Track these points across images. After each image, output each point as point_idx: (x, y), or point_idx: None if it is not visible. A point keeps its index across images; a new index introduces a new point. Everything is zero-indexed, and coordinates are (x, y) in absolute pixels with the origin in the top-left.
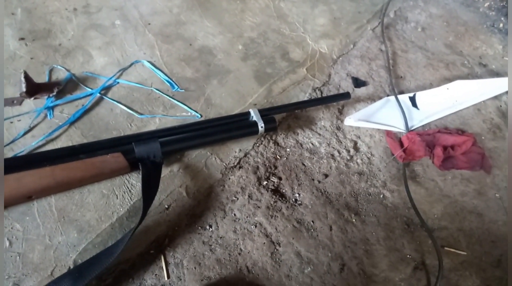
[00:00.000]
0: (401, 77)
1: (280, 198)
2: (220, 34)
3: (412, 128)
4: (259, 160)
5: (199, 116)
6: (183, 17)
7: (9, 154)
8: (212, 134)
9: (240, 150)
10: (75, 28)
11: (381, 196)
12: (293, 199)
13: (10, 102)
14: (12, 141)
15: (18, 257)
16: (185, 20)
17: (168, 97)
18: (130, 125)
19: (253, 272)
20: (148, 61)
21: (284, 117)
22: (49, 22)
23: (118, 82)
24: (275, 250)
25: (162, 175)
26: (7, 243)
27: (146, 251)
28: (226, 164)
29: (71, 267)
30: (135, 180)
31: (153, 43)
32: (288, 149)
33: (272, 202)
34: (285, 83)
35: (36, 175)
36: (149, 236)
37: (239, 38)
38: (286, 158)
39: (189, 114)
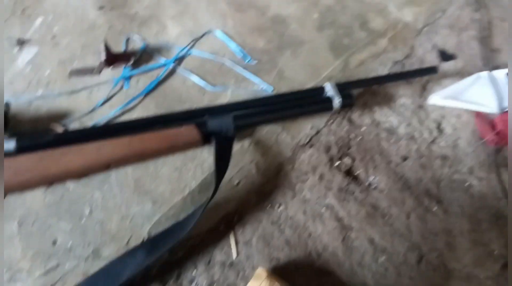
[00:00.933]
0: (497, 50)
1: (354, 181)
2: (294, 1)
3: (507, 109)
4: (331, 138)
5: (272, 89)
6: None
7: (88, 123)
8: (284, 109)
9: (312, 127)
10: None
11: (467, 184)
12: (368, 183)
13: (90, 71)
14: (92, 110)
15: (97, 225)
16: None
17: (240, 69)
18: (203, 97)
19: (323, 257)
20: (221, 31)
21: (361, 92)
22: None
23: (191, 53)
24: (347, 235)
25: (233, 150)
26: (88, 210)
27: (215, 227)
28: (297, 141)
29: (146, 238)
30: (206, 154)
31: (226, 12)
32: (363, 128)
33: (344, 184)
34: (364, 55)
35: (114, 145)
36: (219, 212)
37: (315, 6)
38: (361, 137)
39: (261, 87)
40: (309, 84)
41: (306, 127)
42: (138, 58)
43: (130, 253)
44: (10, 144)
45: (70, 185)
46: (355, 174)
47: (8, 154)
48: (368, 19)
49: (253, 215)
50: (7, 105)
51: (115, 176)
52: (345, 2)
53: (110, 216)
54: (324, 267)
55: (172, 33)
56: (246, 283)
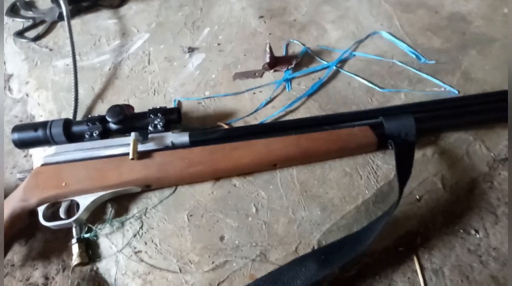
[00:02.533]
0: None
1: None
2: None
3: None
4: None
5: (456, 92)
6: None
7: (252, 122)
8: (477, 113)
9: None
10: (308, 4)
11: None
12: None
13: (252, 74)
14: (256, 111)
15: (264, 225)
16: None
17: (414, 70)
18: (371, 99)
19: None
20: (387, 32)
21: None
22: (284, 0)
23: (354, 55)
24: None
25: (414, 159)
26: (254, 209)
27: (393, 246)
28: (494, 154)
29: (315, 247)
30: (380, 161)
31: (391, 13)
32: None
33: None
34: None
35: (283, 142)
36: (397, 230)
37: (503, 0)
38: None
39: (443, 89)
40: (506, 86)
41: (505, 136)
42: (299, 61)
43: (301, 262)
44: (184, 138)
45: (236, 181)
46: None
47: (182, 146)
48: None
49: (441, 239)
50: (178, 103)
51: (280, 176)
52: None
53: (276, 218)
54: None
55: (333, 37)
56: None
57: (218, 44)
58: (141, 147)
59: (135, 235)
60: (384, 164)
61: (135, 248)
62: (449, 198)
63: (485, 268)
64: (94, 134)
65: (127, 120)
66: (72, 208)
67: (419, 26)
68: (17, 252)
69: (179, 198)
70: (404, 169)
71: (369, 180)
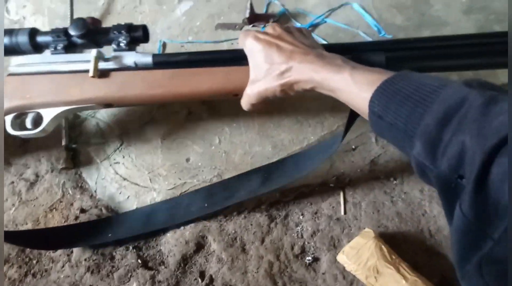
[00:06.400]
0: None
1: None
2: None
3: None
4: None
5: None
6: None
7: None
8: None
9: None
10: None
11: None
12: None
13: (233, 26)
14: None
15: (224, 154)
16: None
17: None
18: None
19: (436, 238)
20: (359, 4)
21: None
22: None
23: (325, 21)
24: None
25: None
26: (217, 140)
27: (326, 182)
28: None
29: None
30: (328, 114)
31: None
32: None
33: None
34: None
35: (243, 72)
36: (331, 170)
37: None
38: None
39: None
40: None
41: None
42: (276, 20)
43: (247, 176)
44: (147, 58)
45: (206, 115)
46: None
47: (145, 67)
48: None
49: (366, 181)
50: (163, 44)
51: (243, 117)
52: None
53: (234, 149)
54: (436, 248)
55: (310, 2)
56: (350, 239)
57: None
58: (102, 65)
59: (115, 150)
60: (331, 117)
61: (115, 159)
62: (380, 151)
63: (394, 206)
64: (59, 47)
65: (90, 35)
66: (38, 119)
67: (388, 2)
68: (12, 152)
69: (155, 123)
70: (353, 117)
71: (316, 128)
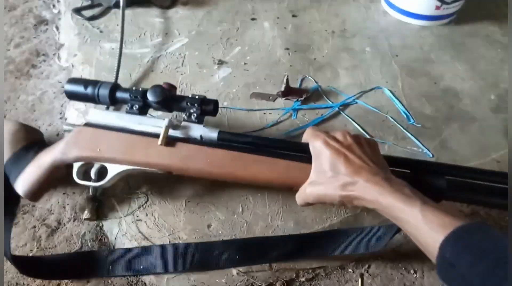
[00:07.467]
0: None
1: None
2: (471, 79)
3: None
4: None
5: (431, 155)
6: (433, 56)
7: None
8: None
9: None
10: (330, 48)
11: None
12: None
13: (267, 97)
14: (262, 129)
15: (245, 224)
16: (434, 59)
17: (401, 128)
18: None
19: None
20: (389, 90)
21: None
22: (310, 39)
23: (356, 102)
24: None
25: None
26: (240, 209)
27: (344, 266)
28: None
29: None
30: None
31: (397, 74)
32: None
33: None
34: None
35: (303, 169)
36: (350, 256)
37: (493, 88)
38: None
39: (420, 150)
40: (473, 162)
41: None
42: (309, 96)
43: (285, 238)
44: (213, 134)
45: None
46: None
47: (210, 142)
48: None
49: (385, 271)
50: None
51: (268, 188)
52: None
53: (256, 221)
54: None
55: (343, 82)
56: None
57: (245, 63)
58: (170, 132)
59: (139, 207)
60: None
61: (137, 216)
62: (402, 240)
63: None
64: (134, 108)
65: (166, 102)
66: (102, 172)
67: (417, 91)
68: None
69: (182, 184)
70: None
71: (339, 209)
